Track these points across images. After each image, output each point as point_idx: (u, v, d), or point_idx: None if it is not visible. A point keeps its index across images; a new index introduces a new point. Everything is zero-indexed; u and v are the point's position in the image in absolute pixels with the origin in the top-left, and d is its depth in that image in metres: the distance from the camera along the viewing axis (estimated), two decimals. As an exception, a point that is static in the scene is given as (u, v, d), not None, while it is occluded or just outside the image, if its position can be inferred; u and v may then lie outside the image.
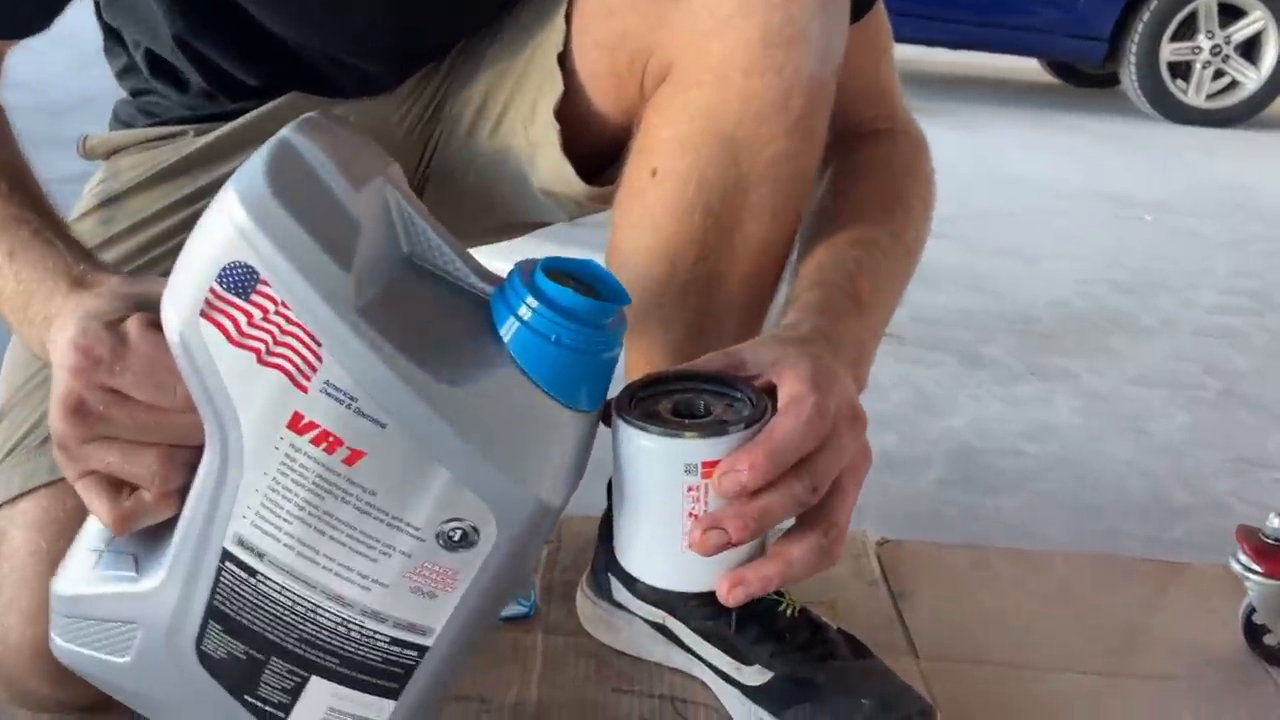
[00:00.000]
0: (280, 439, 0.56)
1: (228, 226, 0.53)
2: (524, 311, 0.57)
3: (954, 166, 3.78)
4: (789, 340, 0.68)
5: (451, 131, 0.95)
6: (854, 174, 0.87)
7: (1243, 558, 1.07)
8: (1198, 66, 5.10)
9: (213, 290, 0.54)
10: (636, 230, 0.81)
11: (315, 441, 0.56)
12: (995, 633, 1.07)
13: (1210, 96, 5.16)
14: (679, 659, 0.94)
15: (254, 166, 0.54)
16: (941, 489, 1.51)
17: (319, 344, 0.54)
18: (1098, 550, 1.36)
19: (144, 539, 0.62)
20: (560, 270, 0.58)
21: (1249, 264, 2.88)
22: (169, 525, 0.61)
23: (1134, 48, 5.06)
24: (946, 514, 1.44)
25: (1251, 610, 1.05)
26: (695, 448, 0.57)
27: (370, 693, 0.63)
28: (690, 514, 0.58)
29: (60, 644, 0.65)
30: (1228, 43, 5.10)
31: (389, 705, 0.64)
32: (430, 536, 0.58)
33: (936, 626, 1.06)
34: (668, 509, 0.58)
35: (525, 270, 0.58)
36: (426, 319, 0.58)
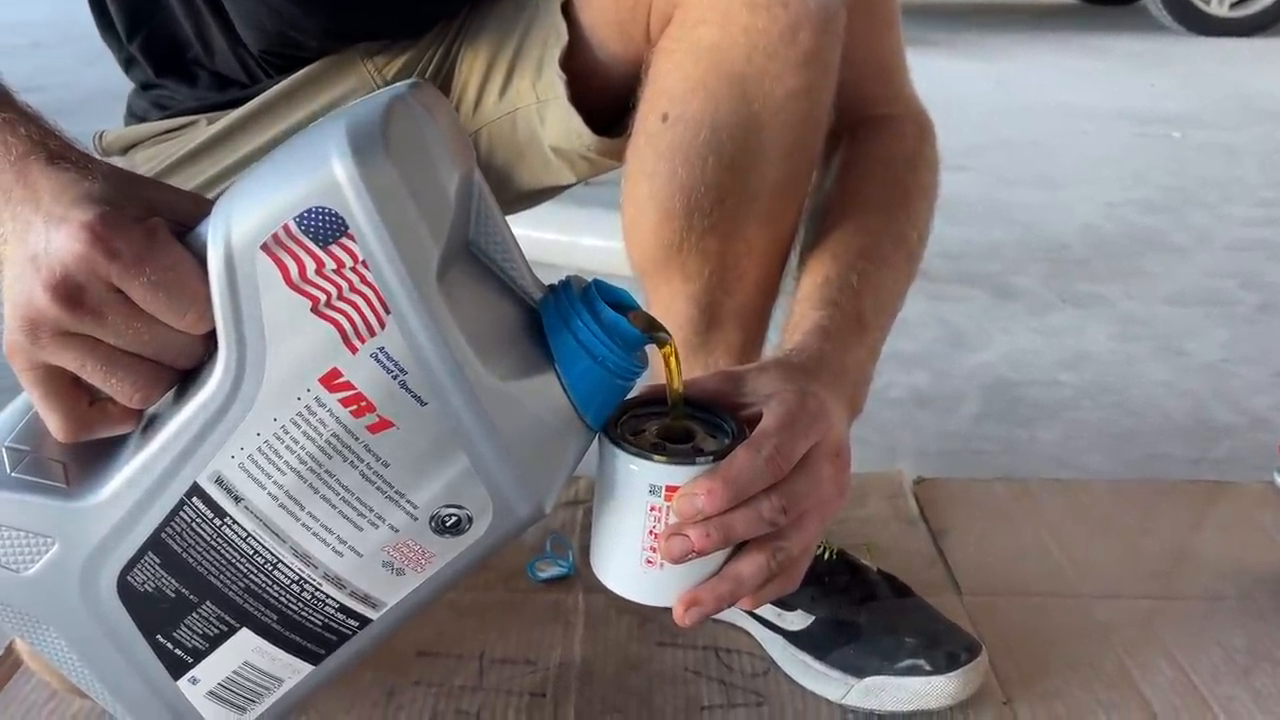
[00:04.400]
0: (306, 390, 0.55)
1: (330, 169, 0.51)
2: (578, 327, 0.57)
3: (975, 97, 3.73)
4: (792, 371, 0.68)
5: (460, 99, 0.94)
6: (859, 171, 0.86)
7: (1287, 472, 1.06)
8: (1220, -25, 4.99)
9: (286, 228, 0.51)
10: (651, 178, 0.80)
11: (345, 402, 0.55)
12: (1038, 564, 1.06)
13: (1233, 5, 5.05)
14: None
15: (369, 116, 0.52)
16: (977, 424, 1.49)
17: (387, 311, 0.53)
18: (1141, 475, 1.34)
19: (78, 449, 0.59)
20: (604, 294, 0.59)
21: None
22: (106, 443, 0.58)
23: (1154, -40, 4.96)
24: (984, 449, 1.43)
25: (1299, 524, 1.04)
26: (661, 471, 0.59)
27: (295, 654, 0.63)
28: (650, 531, 0.60)
29: None
30: (1250, -51, 4.98)
31: (306, 669, 0.63)
32: (425, 517, 0.58)
33: (978, 561, 1.05)
34: (631, 524, 0.61)
35: (579, 287, 0.59)
36: (487, 310, 0.58)
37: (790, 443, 0.60)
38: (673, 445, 0.62)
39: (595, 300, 0.58)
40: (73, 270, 0.52)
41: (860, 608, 0.87)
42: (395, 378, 0.54)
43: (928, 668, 0.83)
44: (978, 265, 2.11)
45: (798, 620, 0.88)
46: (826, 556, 0.90)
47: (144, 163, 0.93)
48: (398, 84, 0.56)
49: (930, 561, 1.05)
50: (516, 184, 0.96)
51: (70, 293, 0.52)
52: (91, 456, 0.59)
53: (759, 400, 0.64)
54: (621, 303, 0.60)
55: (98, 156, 0.64)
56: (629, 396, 0.62)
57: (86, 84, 3.19)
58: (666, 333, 0.61)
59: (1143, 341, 1.77)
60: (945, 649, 0.85)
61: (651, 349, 0.62)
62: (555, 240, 2.12)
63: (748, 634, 0.93)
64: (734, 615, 0.93)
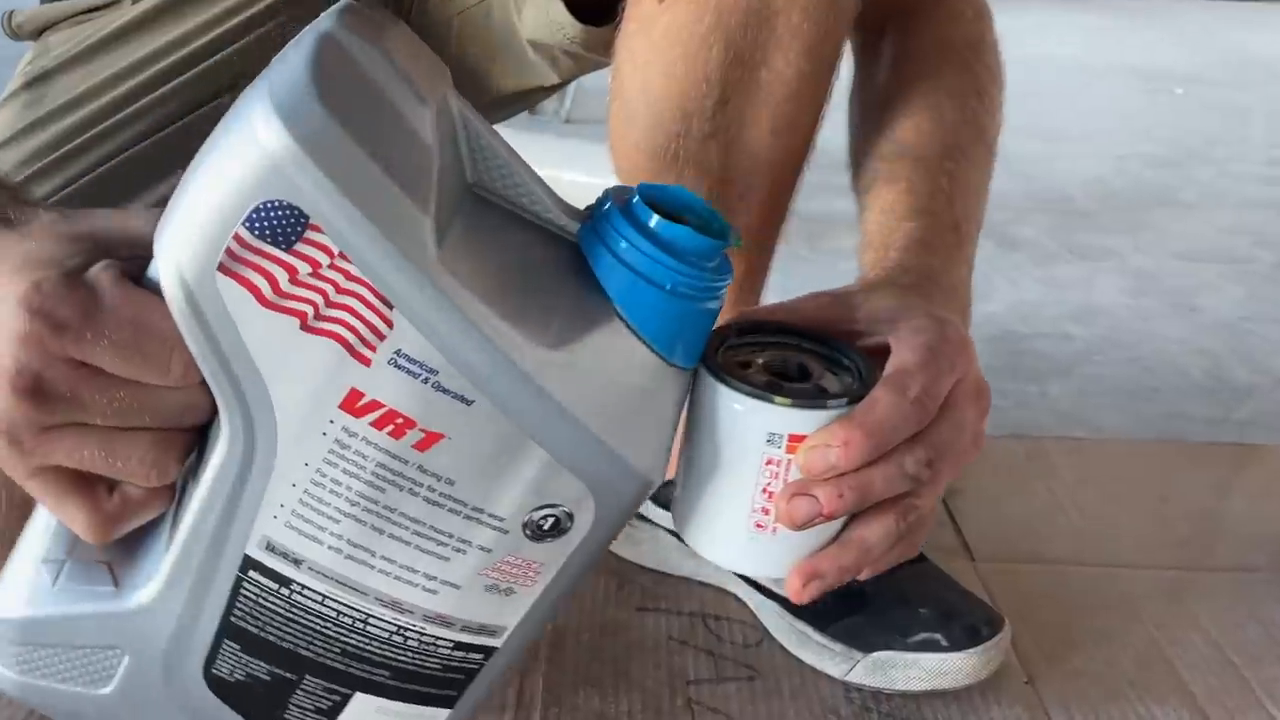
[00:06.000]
0: (330, 423, 0.44)
1: (262, 152, 0.40)
2: (629, 253, 0.46)
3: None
4: (908, 290, 0.58)
5: None
6: (919, 58, 0.76)
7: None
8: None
9: (238, 238, 0.41)
10: (644, 71, 0.69)
11: (378, 424, 0.44)
12: (1055, 529, 0.98)
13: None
14: (708, 571, 0.84)
15: (292, 71, 0.41)
16: (987, 378, 1.41)
17: (389, 305, 0.42)
18: (1159, 436, 1.26)
19: (116, 544, 0.51)
20: (660, 200, 0.48)
21: (1289, 133, 2.75)
22: (148, 526, 0.50)
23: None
24: (995, 404, 1.33)
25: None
26: (784, 417, 0.50)
27: (424, 704, 0.54)
28: (764, 489, 0.51)
29: (14, 679, 0.52)
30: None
31: (442, 714, 0.54)
32: (516, 527, 0.48)
33: (991, 525, 0.97)
34: (740, 480, 0.52)
35: (621, 201, 0.47)
36: (512, 266, 0.47)
37: (936, 382, 0.51)
38: (789, 384, 0.51)
39: (643, 213, 0.47)
40: (24, 359, 0.44)
41: (869, 573, 0.78)
42: (426, 381, 0.44)
43: (944, 643, 0.74)
44: (980, 214, 2.02)
45: (799, 586, 0.78)
46: (832, 515, 0.80)
47: (59, 44, 0.82)
48: (323, 14, 0.44)
49: (939, 524, 0.96)
50: (493, 86, 0.85)
51: (31, 386, 0.44)
52: (134, 545, 0.50)
53: (879, 328, 0.54)
54: (680, 203, 0.48)
55: (35, 198, 0.54)
56: (727, 323, 0.52)
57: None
58: (728, 227, 0.49)
59: (1154, 297, 1.69)
60: (964, 622, 0.75)
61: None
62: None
63: (739, 600, 0.83)
64: (724, 577, 0.83)
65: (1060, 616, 0.85)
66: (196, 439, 0.48)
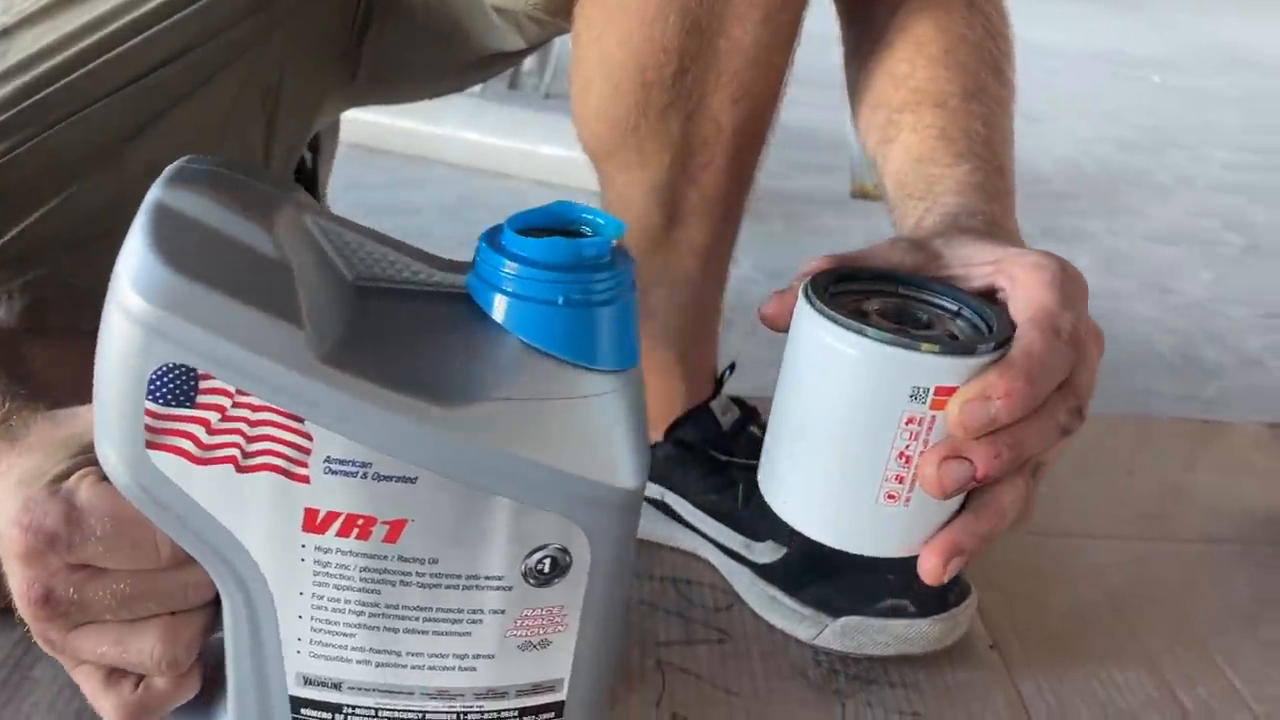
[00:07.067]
0: (302, 547, 0.46)
1: (133, 328, 0.42)
2: (511, 283, 0.46)
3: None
4: (985, 236, 0.54)
5: None
6: (923, 6, 0.72)
7: (1298, 409, 0.98)
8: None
9: (149, 412, 0.43)
10: (600, 41, 0.68)
11: (343, 532, 0.46)
12: (1024, 500, 0.98)
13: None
14: (681, 539, 0.84)
15: (134, 248, 0.43)
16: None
17: (299, 420, 0.44)
18: (1128, 412, 1.27)
19: (183, 715, 0.52)
20: (531, 225, 0.47)
21: (1260, 120, 2.77)
22: (211, 690, 0.52)
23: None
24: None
25: (1307, 465, 0.96)
26: (933, 366, 0.43)
27: None
28: (901, 455, 0.45)
29: None
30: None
31: None
32: (517, 580, 0.48)
33: (961, 495, 0.97)
34: (870, 445, 0.45)
35: (493, 237, 0.47)
36: (408, 341, 0.47)
37: (1076, 321, 0.47)
38: (925, 332, 0.45)
39: (510, 241, 0.46)
40: (31, 575, 0.47)
41: (840, 538, 0.78)
42: (364, 476, 0.45)
43: (912, 609, 0.74)
44: (954, 195, 2.02)
45: (768, 551, 0.78)
46: (803, 481, 0.81)
47: (21, 1, 0.80)
48: (153, 185, 0.46)
49: (909, 493, 0.97)
50: (460, 51, 0.84)
51: (43, 597, 0.47)
52: (199, 715, 0.53)
53: (978, 271, 0.50)
54: (563, 218, 0.48)
55: (29, 392, 0.55)
56: (814, 268, 0.47)
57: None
58: (614, 222, 0.47)
59: (1127, 278, 1.70)
60: (932, 589, 0.75)
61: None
62: (512, 148, 2.01)
63: (710, 565, 0.83)
64: (696, 543, 0.84)
65: (1026, 585, 0.86)
66: (213, 616, 0.49)
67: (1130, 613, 0.84)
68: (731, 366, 0.86)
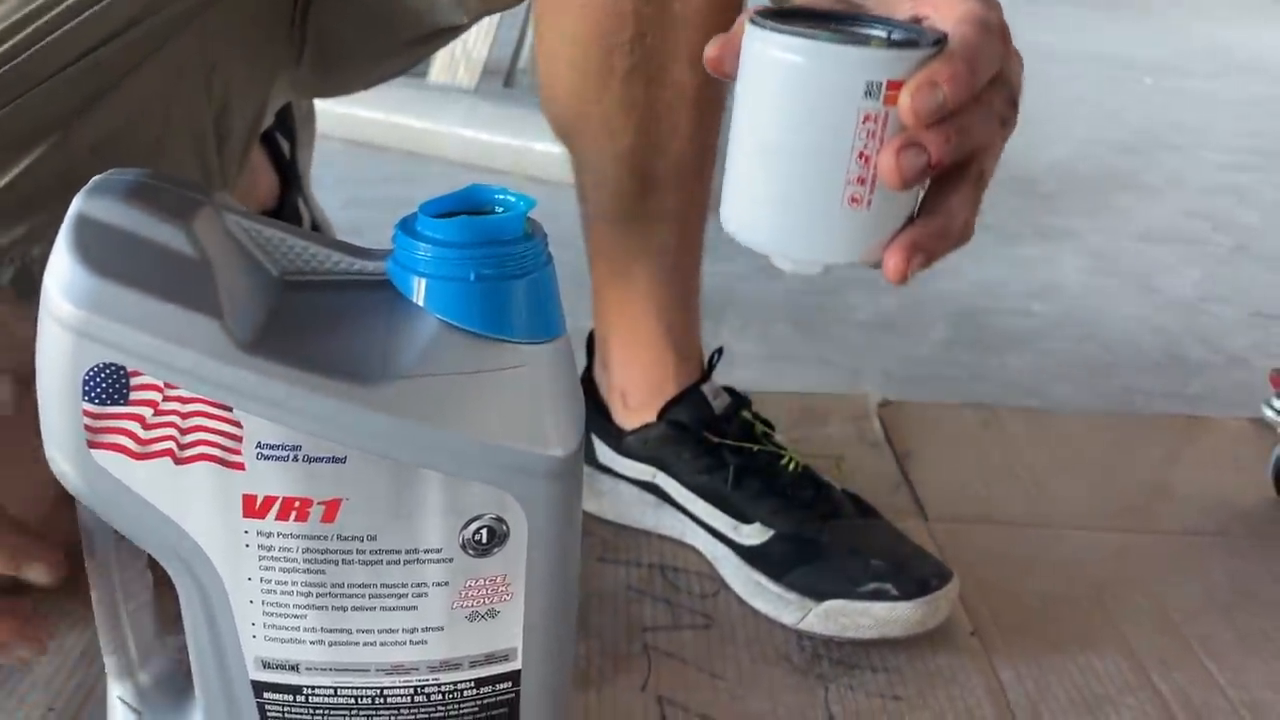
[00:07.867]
0: (245, 533, 0.47)
1: (64, 333, 0.45)
2: (424, 263, 0.48)
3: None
4: None
5: None
6: None
7: (1276, 402, 1.00)
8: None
9: (87, 412, 0.46)
10: (560, 14, 0.70)
11: (282, 515, 0.47)
12: (1007, 492, 1.00)
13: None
14: (669, 524, 0.86)
15: (59, 258, 0.45)
16: (946, 350, 1.43)
17: (227, 409, 0.46)
18: (1113, 408, 1.29)
19: (159, 700, 0.55)
20: (445, 210, 0.49)
21: (1254, 123, 2.78)
22: (181, 685, 0.54)
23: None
24: (952, 375, 1.36)
25: (1284, 459, 0.98)
26: (884, 59, 0.45)
27: None
28: (860, 155, 0.46)
29: None
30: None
31: None
32: (456, 552, 0.49)
33: (945, 486, 0.99)
34: (831, 147, 0.46)
35: (408, 224, 0.49)
36: (331, 327, 0.49)
37: (998, 14, 0.48)
38: (870, 34, 0.47)
39: (421, 223, 0.48)
40: None
41: (824, 525, 0.80)
42: (295, 459, 0.46)
43: (894, 593, 0.76)
44: (946, 195, 2.04)
45: (755, 534, 0.80)
46: (791, 468, 0.82)
47: None
48: (75, 197, 0.48)
49: (895, 485, 0.98)
50: (402, 27, 0.83)
51: None
52: (171, 700, 0.56)
53: (899, 9, 0.51)
54: (476, 200, 0.49)
55: None
56: (756, 9, 0.48)
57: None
58: (523, 198, 0.49)
59: (1114, 277, 1.71)
60: (914, 574, 0.78)
61: None
62: (506, 145, 2.03)
63: (697, 551, 0.85)
64: (684, 529, 0.85)
65: (1007, 573, 0.87)
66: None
67: (1109, 601, 0.85)
68: (719, 351, 0.88)
